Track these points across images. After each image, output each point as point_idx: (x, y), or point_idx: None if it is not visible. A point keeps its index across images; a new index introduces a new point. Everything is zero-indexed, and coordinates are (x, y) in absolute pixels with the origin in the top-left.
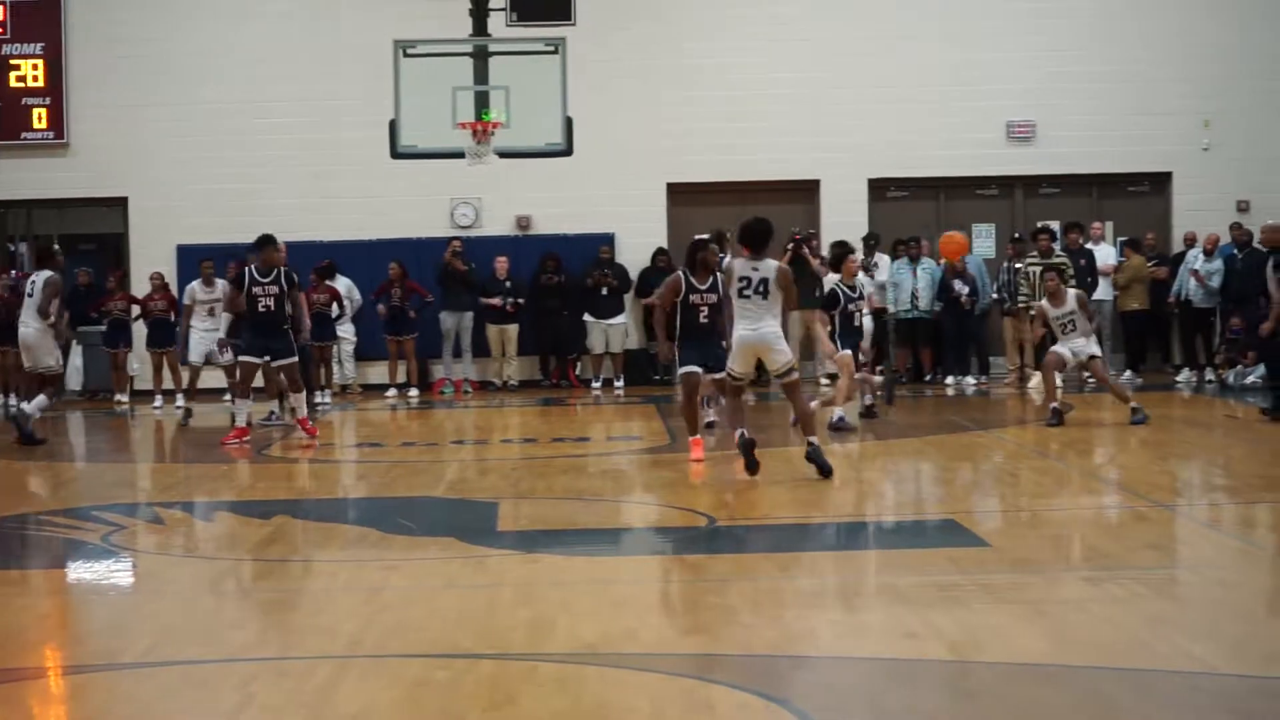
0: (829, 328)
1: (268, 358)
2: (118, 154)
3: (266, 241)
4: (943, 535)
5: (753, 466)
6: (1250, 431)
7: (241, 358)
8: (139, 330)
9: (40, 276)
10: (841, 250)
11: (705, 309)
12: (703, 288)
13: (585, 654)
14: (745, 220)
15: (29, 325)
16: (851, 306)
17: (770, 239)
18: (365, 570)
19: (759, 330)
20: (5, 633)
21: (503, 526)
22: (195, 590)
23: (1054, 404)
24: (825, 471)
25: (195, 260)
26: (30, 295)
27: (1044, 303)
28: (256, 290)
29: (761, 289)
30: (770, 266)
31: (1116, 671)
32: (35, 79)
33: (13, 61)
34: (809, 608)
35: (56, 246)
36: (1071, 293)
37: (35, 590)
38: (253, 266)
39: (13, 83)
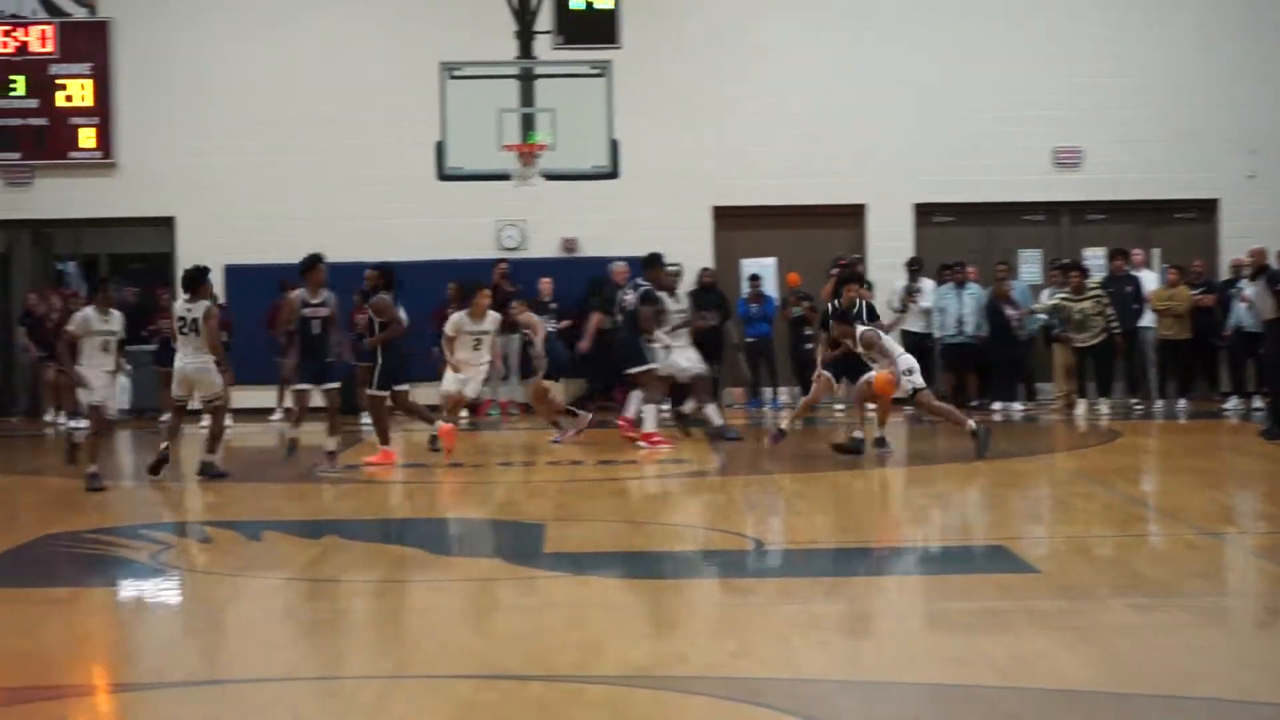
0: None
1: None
2: (165, 174)
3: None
4: (991, 561)
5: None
6: None
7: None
8: None
9: (199, 307)
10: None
11: None
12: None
13: (634, 676)
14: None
15: (191, 360)
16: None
17: None
18: (413, 591)
19: None
20: (54, 650)
21: (550, 548)
22: (244, 609)
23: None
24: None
25: (244, 280)
26: (185, 329)
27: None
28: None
29: None
30: None
31: (1164, 699)
32: (83, 98)
33: (60, 81)
34: (857, 632)
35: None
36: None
37: (84, 608)
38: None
39: (60, 102)
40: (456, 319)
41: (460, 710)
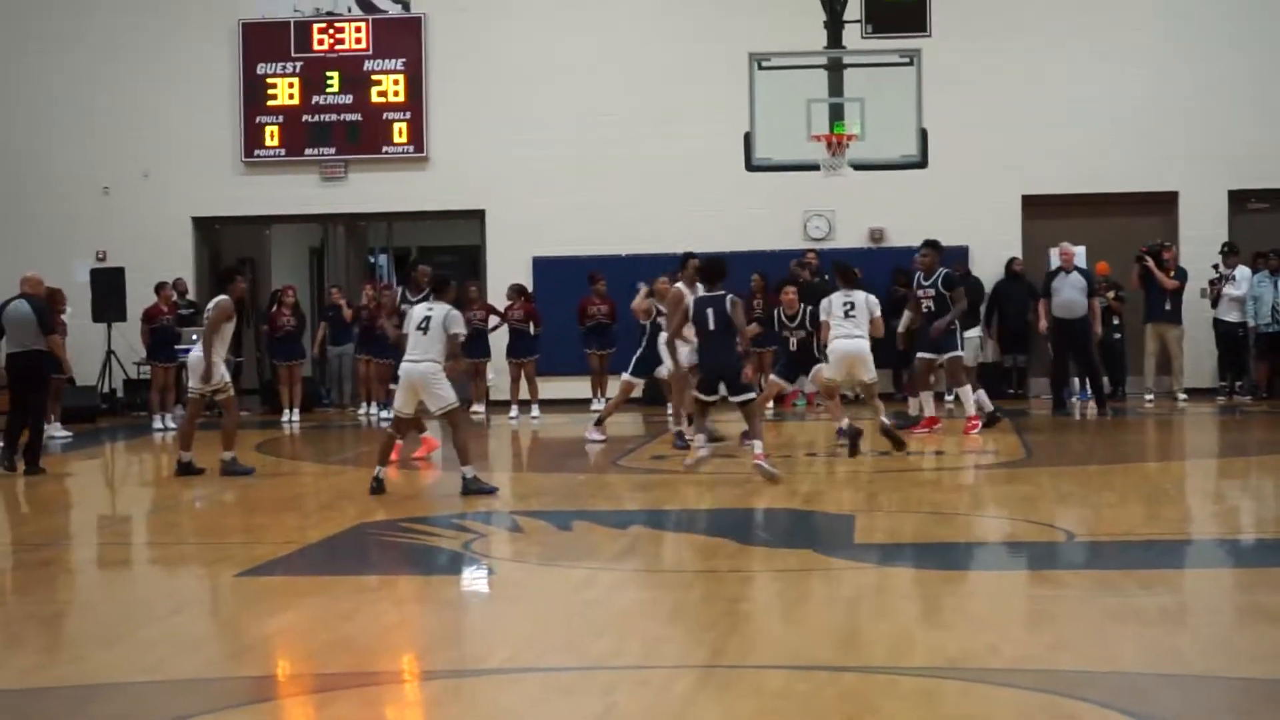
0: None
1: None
2: (475, 167)
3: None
4: None
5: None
6: None
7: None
8: (496, 340)
9: (439, 311)
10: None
11: None
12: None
13: (946, 668)
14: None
15: (420, 360)
16: (786, 333)
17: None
18: (723, 581)
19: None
20: (368, 638)
21: (860, 539)
22: (555, 598)
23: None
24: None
25: (551, 271)
26: (424, 330)
27: None
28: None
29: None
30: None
31: None
32: (396, 94)
33: (375, 77)
34: (1174, 625)
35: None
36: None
37: (397, 596)
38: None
39: (374, 98)
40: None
41: (773, 701)
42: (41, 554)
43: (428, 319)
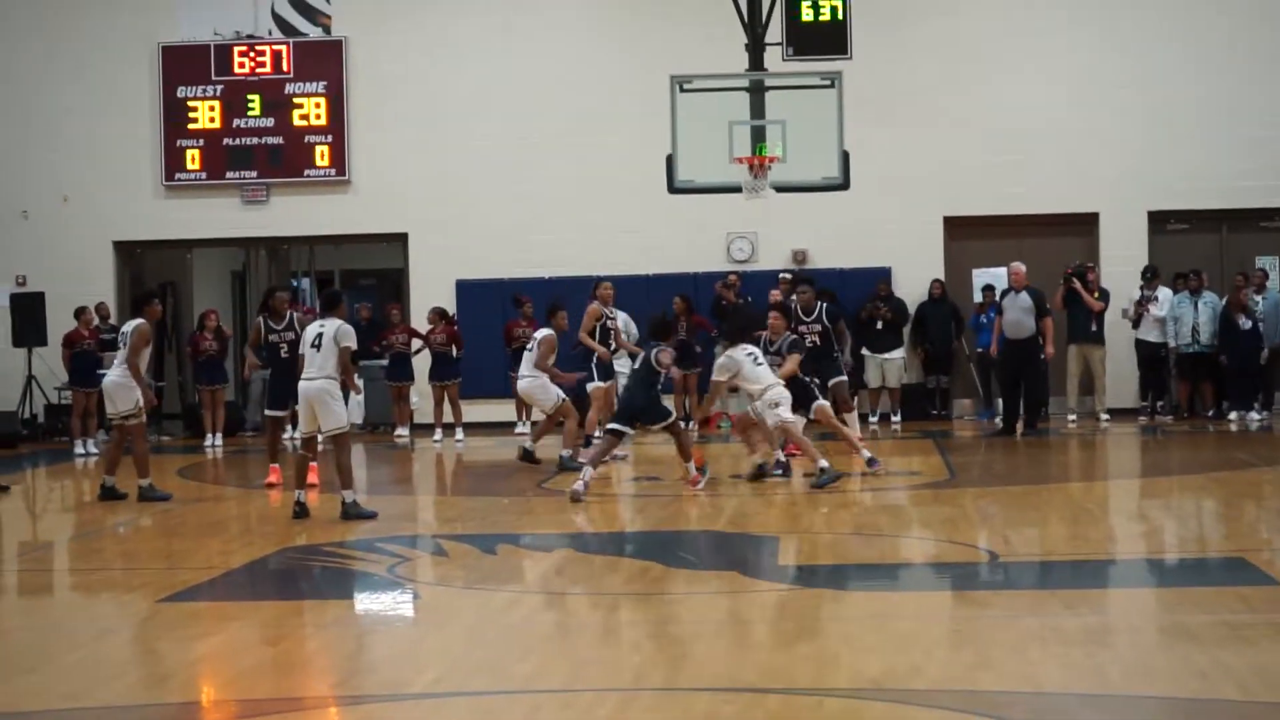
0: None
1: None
2: (397, 191)
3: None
4: (1232, 573)
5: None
6: None
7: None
8: (419, 363)
9: (330, 327)
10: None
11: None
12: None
13: (870, 689)
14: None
15: (315, 378)
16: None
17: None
18: (649, 603)
19: None
20: (292, 662)
21: (784, 560)
22: (480, 622)
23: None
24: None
25: (474, 295)
26: (318, 347)
27: None
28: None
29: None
30: None
31: None
32: (318, 117)
33: (296, 100)
34: (1097, 645)
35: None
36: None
37: (322, 620)
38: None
39: (296, 121)
40: None
41: None
42: None
43: (320, 335)
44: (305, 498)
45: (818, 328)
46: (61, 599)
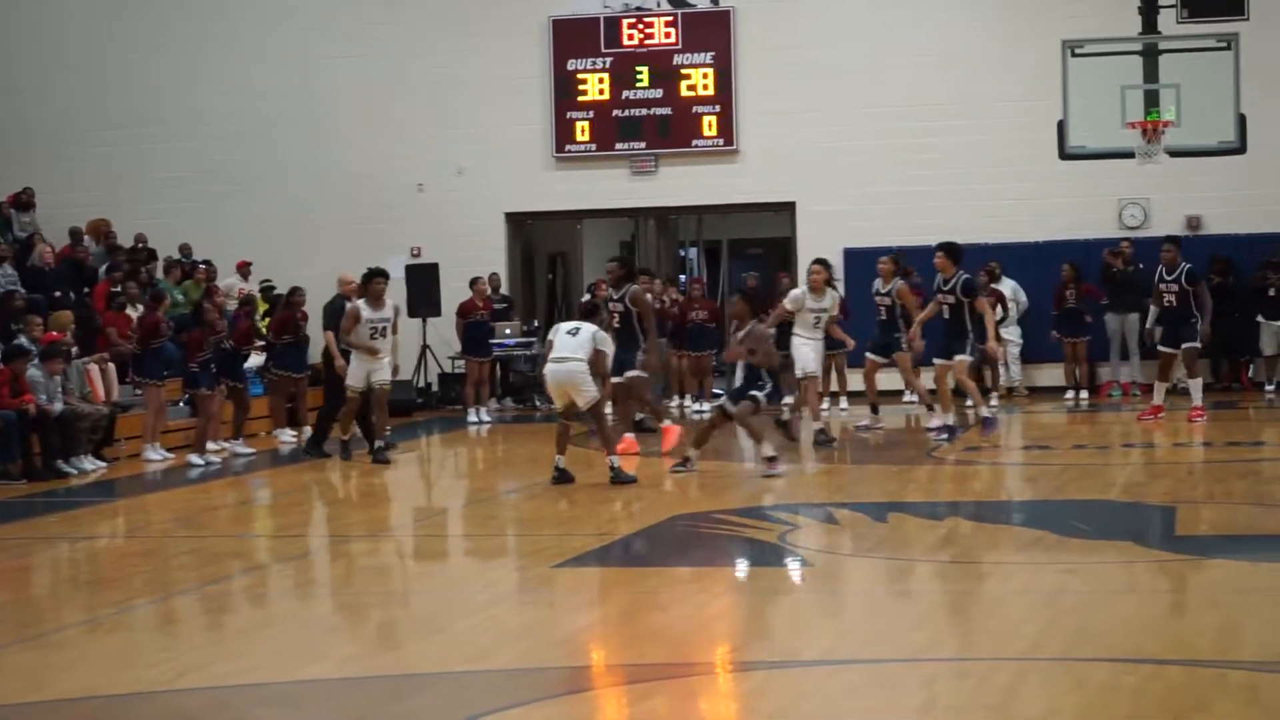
0: None
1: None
2: (785, 159)
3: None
4: None
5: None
6: None
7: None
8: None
9: (587, 330)
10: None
11: None
12: None
13: (1276, 662)
14: None
15: (567, 359)
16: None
17: None
18: (1042, 573)
19: None
20: (686, 629)
21: (1181, 531)
22: (872, 590)
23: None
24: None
25: (863, 262)
26: (573, 335)
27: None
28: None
29: None
30: None
31: None
32: (706, 88)
33: (684, 71)
34: None
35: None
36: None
37: (713, 588)
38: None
39: (684, 92)
40: None
41: (1098, 694)
42: (359, 545)
43: (579, 328)
44: (564, 463)
45: (1175, 288)
46: (457, 564)
